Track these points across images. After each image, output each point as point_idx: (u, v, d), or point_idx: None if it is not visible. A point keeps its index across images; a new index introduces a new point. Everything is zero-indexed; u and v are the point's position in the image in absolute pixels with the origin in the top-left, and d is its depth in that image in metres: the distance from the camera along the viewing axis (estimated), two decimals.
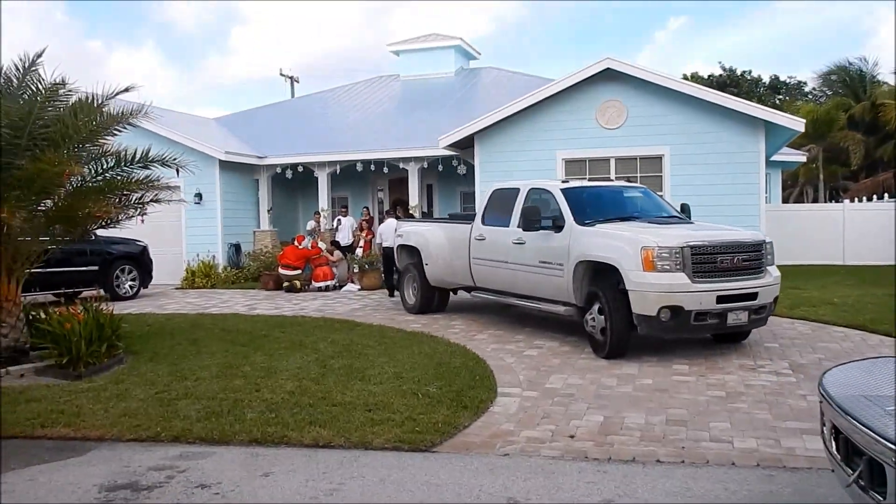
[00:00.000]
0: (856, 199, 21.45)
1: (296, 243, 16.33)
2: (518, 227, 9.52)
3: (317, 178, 19.50)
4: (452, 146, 16.96)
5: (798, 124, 14.72)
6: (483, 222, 10.31)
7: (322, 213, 19.04)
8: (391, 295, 13.90)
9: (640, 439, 5.53)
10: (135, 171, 8.60)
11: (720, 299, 7.67)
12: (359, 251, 17.45)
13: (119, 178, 8.46)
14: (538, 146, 16.07)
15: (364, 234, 17.91)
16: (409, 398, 6.56)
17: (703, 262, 7.68)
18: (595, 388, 6.99)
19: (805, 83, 42.06)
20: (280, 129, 22.11)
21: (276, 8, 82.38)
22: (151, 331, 10.19)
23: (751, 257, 7.98)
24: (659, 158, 15.53)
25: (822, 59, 70.13)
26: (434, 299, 11.58)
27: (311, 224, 18.93)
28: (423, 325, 10.48)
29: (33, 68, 7.87)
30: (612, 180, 9.93)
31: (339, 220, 18.43)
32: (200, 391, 6.95)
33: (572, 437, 5.62)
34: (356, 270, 16.26)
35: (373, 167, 18.85)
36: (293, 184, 20.89)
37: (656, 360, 8.04)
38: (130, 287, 15.20)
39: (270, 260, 16.87)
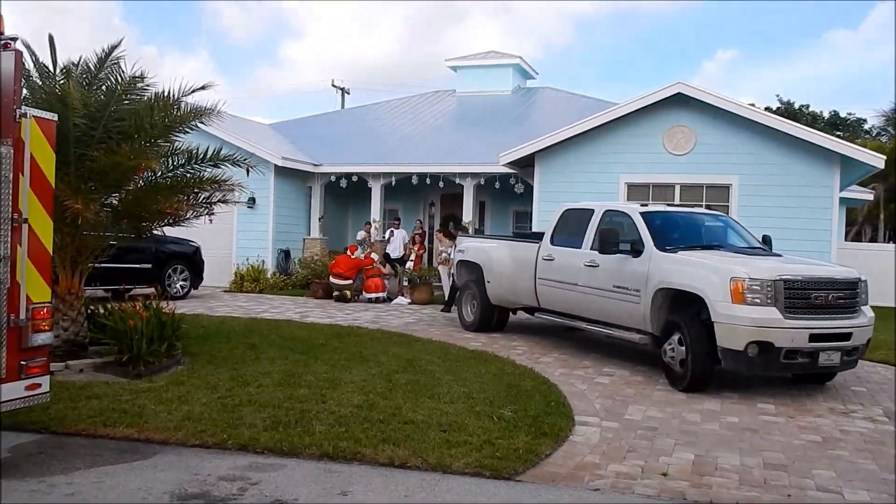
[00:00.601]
0: None
1: (348, 253, 16.13)
2: (591, 248, 9.19)
3: (370, 189, 19.32)
4: (512, 164, 16.68)
5: (878, 160, 14.17)
6: (552, 242, 10.00)
7: (373, 224, 18.85)
8: (447, 310, 13.56)
9: (739, 483, 5.14)
10: (205, 169, 8.44)
11: (813, 338, 7.24)
12: (409, 265, 17.25)
13: (189, 175, 8.29)
14: (600, 168, 15.73)
15: (416, 249, 17.69)
16: (483, 420, 6.24)
17: (797, 297, 7.25)
18: (678, 422, 6.60)
19: (865, 120, 41.10)
20: (334, 139, 22.06)
21: (327, 23, 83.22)
22: (207, 332, 10.02)
23: (846, 295, 7.53)
24: (727, 188, 15.07)
25: (876, 98, 69.04)
26: (493, 318, 11.28)
27: (361, 234, 18.78)
28: (483, 344, 10.17)
29: (112, 60, 7.75)
30: (690, 207, 9.56)
31: (391, 231, 18.20)
32: (264, 399, 6.70)
33: (665, 474, 5.24)
34: (407, 284, 15.99)
35: (428, 181, 18.65)
36: (345, 193, 20.79)
37: (738, 397, 7.61)
38: (181, 287, 15.13)
39: (321, 268, 16.68)
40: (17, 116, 4.48)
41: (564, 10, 76.31)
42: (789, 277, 7.27)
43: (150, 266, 14.37)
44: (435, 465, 5.18)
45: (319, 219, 19.69)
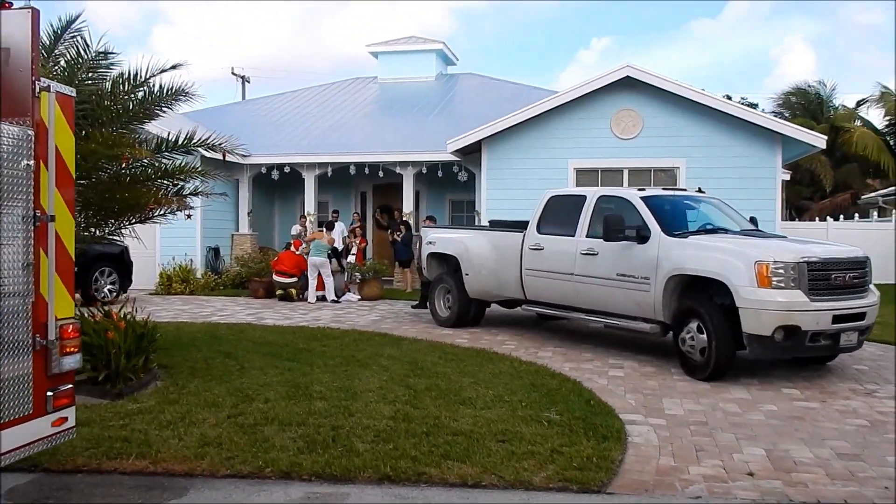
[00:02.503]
0: (817, 219, 21.73)
1: (292, 249, 15.26)
2: (587, 236, 8.87)
3: (303, 181, 18.41)
4: (456, 152, 16.25)
5: (819, 140, 14.60)
6: (539, 231, 9.62)
7: (308, 217, 17.96)
8: (420, 307, 12.98)
9: (829, 477, 4.91)
10: (175, 157, 7.58)
11: (836, 319, 7.15)
12: (351, 258, 16.53)
13: (157, 164, 7.41)
14: (549, 154, 15.54)
15: (359, 242, 16.98)
16: (533, 426, 5.79)
17: (819, 278, 7.16)
18: (721, 415, 6.37)
19: (757, 104, 42.91)
20: (254, 128, 20.85)
21: (198, 9, 79.67)
22: (167, 342, 9.08)
23: (860, 275, 7.50)
24: (674, 171, 15.18)
25: (746, 84, 73.12)
26: (470, 312, 10.82)
27: (296, 228, 17.84)
28: (470, 341, 9.72)
29: (70, 33, 6.77)
30: (684, 189, 9.40)
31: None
32: (282, 415, 6.00)
33: (751, 474, 4.97)
34: (358, 280, 15.30)
35: (367, 170, 17.93)
36: (271, 186, 19.79)
37: (758, 383, 7.48)
38: (109, 291, 13.89)
39: (261, 266, 15.72)
40: (37, 90, 3.66)
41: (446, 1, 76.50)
42: (812, 259, 7.16)
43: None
44: (514, 482, 4.71)
45: (249, 213, 18.62)
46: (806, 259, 7.14)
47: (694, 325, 7.56)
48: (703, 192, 9.38)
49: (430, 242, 11.34)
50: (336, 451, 5.20)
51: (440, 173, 17.27)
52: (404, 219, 17.14)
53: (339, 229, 17.37)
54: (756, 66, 70.72)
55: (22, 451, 3.64)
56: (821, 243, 8.10)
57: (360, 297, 15.01)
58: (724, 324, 7.31)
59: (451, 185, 18.33)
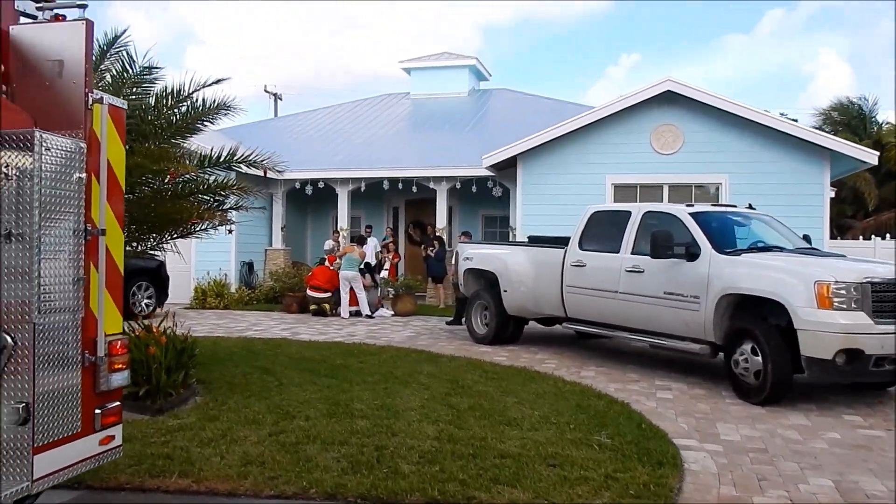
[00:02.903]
0: (861, 237, 21.26)
1: (327, 264, 15.23)
2: (632, 253, 8.70)
3: (336, 196, 18.42)
4: (491, 167, 16.17)
5: (870, 156, 14.28)
6: (581, 247, 9.46)
7: (341, 232, 17.94)
8: (455, 323, 12.90)
9: None
10: (217, 172, 7.56)
11: None
12: (384, 273, 16.49)
13: (199, 179, 7.38)
14: (586, 169, 15.37)
15: (391, 257, 16.93)
16: (584, 449, 5.60)
17: (883, 299, 6.89)
18: (781, 441, 6.13)
19: (797, 120, 42.30)
20: (289, 144, 20.95)
21: (229, 29, 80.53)
22: (204, 357, 9.05)
23: None
24: (716, 187, 14.93)
25: (765, 103, 72.45)
26: (508, 329, 10.68)
27: (329, 244, 17.79)
28: (508, 359, 9.57)
29: (116, 48, 6.79)
30: (734, 206, 9.20)
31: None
32: (323, 434, 5.89)
33: None
34: (390, 295, 15.22)
35: (400, 186, 17.88)
36: (304, 201, 19.85)
37: (816, 409, 7.21)
38: (146, 305, 13.95)
39: (295, 281, 15.71)
40: (90, 102, 3.61)
41: (471, 18, 76.61)
42: (875, 279, 6.90)
43: None
44: None
45: (282, 228, 18.67)
46: (869, 279, 6.88)
47: (748, 346, 7.33)
48: (754, 209, 9.15)
49: (468, 258, 11.23)
50: (381, 472, 5.07)
51: (474, 188, 17.16)
52: (437, 234, 17.06)
53: (372, 244, 17.33)
54: (790, 82, 70.10)
55: (70, 471, 3.56)
56: (883, 263, 7.84)
57: (393, 312, 14.93)
58: (780, 346, 7.07)
59: (485, 200, 18.24)
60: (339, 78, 73.61)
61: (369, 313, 14.49)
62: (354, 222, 19.68)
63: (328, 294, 14.77)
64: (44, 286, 3.35)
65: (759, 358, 7.20)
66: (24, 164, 3.29)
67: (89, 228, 3.61)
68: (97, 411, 3.72)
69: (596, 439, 5.86)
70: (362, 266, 14.79)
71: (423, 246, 17.38)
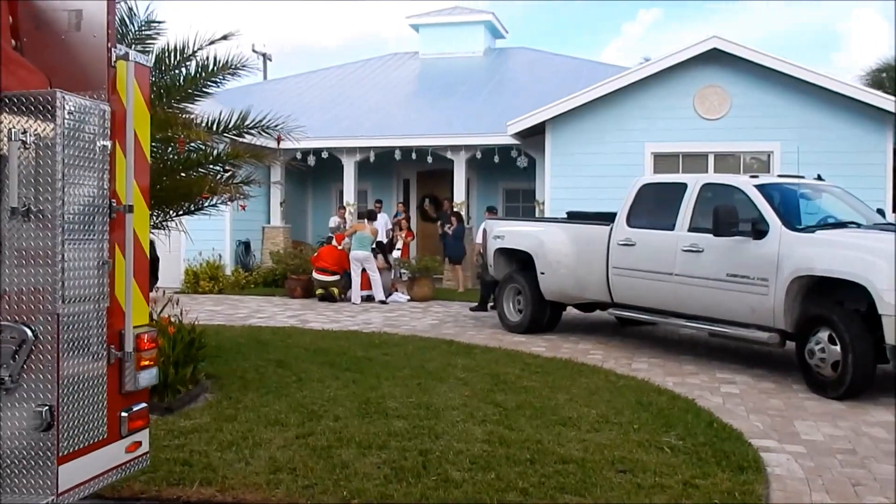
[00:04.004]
0: None
1: (334, 243, 15.09)
2: (689, 230, 8.55)
3: (341, 167, 18.26)
4: (516, 135, 15.99)
5: None
6: (629, 224, 9.30)
7: (348, 208, 17.81)
8: (479, 309, 12.83)
9: None
10: (225, 140, 7.40)
11: None
12: (396, 253, 16.37)
13: (204, 149, 7.21)
14: (623, 137, 15.20)
15: (404, 235, 16.80)
16: (654, 453, 5.47)
17: None
18: (869, 441, 6.00)
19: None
20: (287, 110, 20.71)
21: None
22: (209, 348, 8.94)
23: None
24: (767, 155, 14.74)
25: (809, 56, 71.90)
26: (545, 316, 10.55)
27: (334, 220, 17.75)
28: (548, 349, 9.45)
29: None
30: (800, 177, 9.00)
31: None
32: (358, 436, 5.76)
33: None
34: (404, 278, 15.11)
35: (414, 155, 17.68)
36: (304, 174, 19.64)
37: None
38: None
39: (300, 262, 15.58)
40: (114, 59, 3.43)
41: None
42: None
43: None
44: None
45: (281, 204, 18.53)
46: None
47: (824, 334, 7.17)
48: (823, 181, 8.97)
49: (498, 237, 11.07)
50: (429, 480, 4.93)
51: (496, 158, 16.96)
52: (455, 210, 16.90)
53: (383, 221, 17.19)
54: (823, 41, 69.36)
55: (96, 482, 3.42)
56: None
57: (409, 297, 14.81)
58: (862, 334, 6.92)
59: (506, 172, 18.07)
60: (335, 36, 73.04)
61: (383, 298, 14.37)
62: (361, 197, 19.51)
63: (336, 277, 14.64)
64: (67, 271, 3.19)
65: (838, 347, 7.05)
66: (44, 130, 3.12)
67: (114, 205, 3.45)
68: (123, 414, 3.58)
69: (665, 441, 5.72)
70: (374, 245, 14.65)
71: (439, 223, 17.24)
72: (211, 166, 7.10)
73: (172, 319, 7.14)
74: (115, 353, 3.51)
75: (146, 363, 3.67)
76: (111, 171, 3.44)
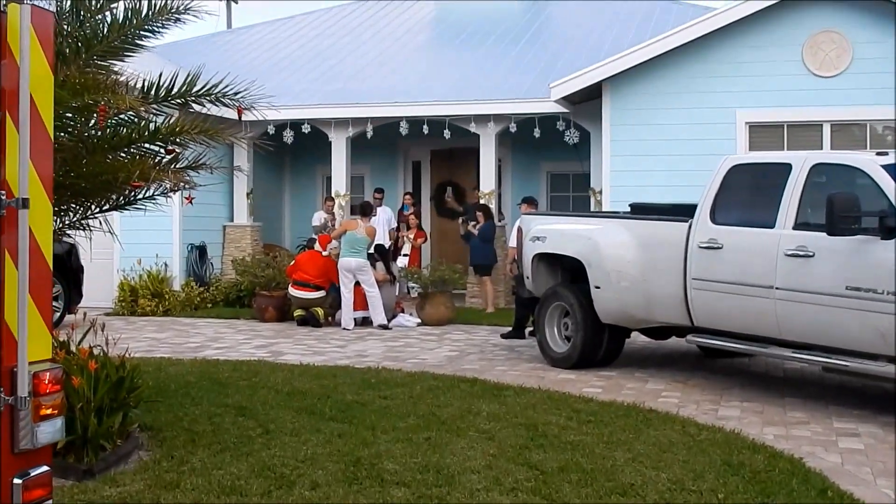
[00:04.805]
0: None
1: (318, 248, 15.17)
2: (795, 227, 8.56)
3: (329, 145, 18.33)
4: (563, 100, 16.01)
5: None
6: (714, 219, 9.28)
7: (337, 200, 17.89)
8: (514, 335, 12.87)
9: None
10: (167, 110, 7.45)
11: None
12: (402, 261, 16.45)
13: (143, 121, 7.25)
14: (705, 101, 15.22)
15: (413, 237, 16.85)
16: None
17: None
18: None
19: None
20: (253, 69, 20.71)
21: None
22: (146, 390, 9.00)
23: None
24: None
25: None
26: (602, 345, 10.53)
27: (319, 217, 17.83)
28: (606, 390, 9.47)
29: None
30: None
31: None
32: None
33: None
34: (413, 294, 15.17)
35: (426, 129, 17.65)
36: (279, 154, 19.79)
37: None
38: (52, 310, 13.90)
39: (270, 273, 15.63)
40: (3, 2, 3.43)
41: None
42: None
43: None
44: None
45: (248, 195, 18.62)
46: None
47: None
48: None
49: (538, 238, 11.03)
50: None
51: (536, 132, 16.93)
52: (482, 202, 16.92)
53: (385, 218, 17.27)
54: None
55: None
56: None
57: (419, 320, 14.83)
58: None
59: (550, 150, 18.14)
60: None
61: (384, 322, 14.39)
62: (355, 185, 19.61)
63: (321, 293, 14.69)
64: None
65: None
66: None
67: (2, 198, 3.44)
68: (17, 481, 3.54)
69: None
70: (372, 250, 14.68)
71: (460, 220, 17.23)
72: (147, 145, 7.09)
73: (95, 351, 7.11)
74: (5, 398, 3.49)
75: (48, 412, 3.65)
76: None
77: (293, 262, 15.36)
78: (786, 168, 8.88)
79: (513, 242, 13.18)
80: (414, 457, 6.85)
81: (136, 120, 7.14)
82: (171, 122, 7.25)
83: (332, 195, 18.21)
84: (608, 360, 10.72)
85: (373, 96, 18.29)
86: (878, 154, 8.62)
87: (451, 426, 7.76)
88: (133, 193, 7.22)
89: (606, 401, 8.84)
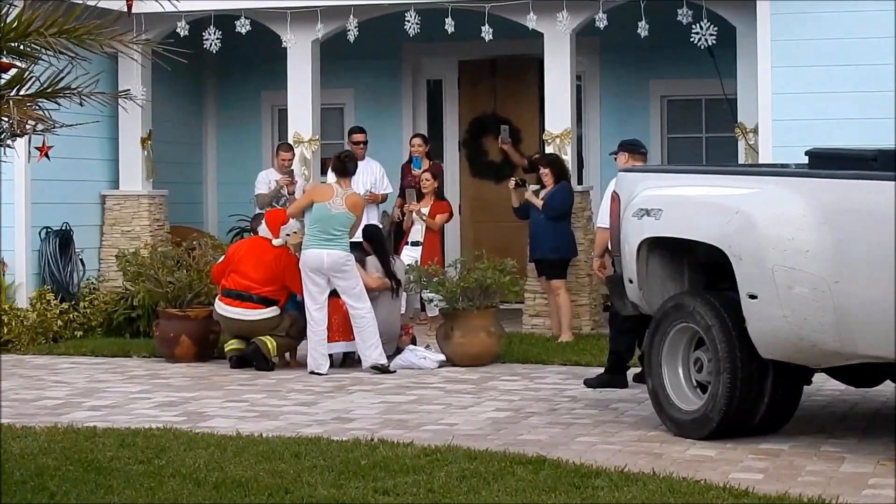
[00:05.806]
0: None
1: (263, 231, 15.18)
2: None
3: (283, 54, 18.40)
4: None
5: None
6: None
7: (299, 149, 17.98)
8: (610, 380, 12.96)
9: None
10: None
11: None
12: (411, 254, 16.56)
13: None
14: None
15: (428, 212, 16.88)
16: None
17: None
18: None
19: None
20: None
21: None
22: None
23: None
24: None
25: None
26: (763, 398, 10.49)
27: (266, 179, 17.90)
28: (769, 475, 9.45)
29: None
30: None
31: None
32: None
33: None
34: (432, 313, 15.22)
35: (449, 27, 17.70)
36: (196, 71, 19.94)
37: None
38: None
39: (185, 278, 15.71)
40: None
41: None
42: None
43: None
44: None
45: (145, 141, 18.69)
46: None
47: None
48: None
49: (647, 212, 10.98)
50: None
51: (643, 29, 16.93)
52: (549, 152, 16.97)
53: (378, 174, 17.29)
54: None
55: None
56: None
57: (443, 357, 14.86)
58: None
59: (665, 60, 18.16)
60: None
61: (381, 361, 14.46)
62: (330, 122, 19.74)
63: (272, 312, 14.76)
64: None
65: None
66: None
67: None
68: None
69: None
70: (359, 237, 14.76)
71: (513, 182, 17.27)
72: None
73: None
74: None
75: None
76: None
77: (223, 257, 15.44)
78: None
79: (604, 220, 13.08)
80: None
81: None
82: (8, 15, 7.32)
83: (290, 141, 18.23)
84: (774, 423, 10.74)
85: None
86: None
87: None
88: None
89: (773, 495, 8.81)
